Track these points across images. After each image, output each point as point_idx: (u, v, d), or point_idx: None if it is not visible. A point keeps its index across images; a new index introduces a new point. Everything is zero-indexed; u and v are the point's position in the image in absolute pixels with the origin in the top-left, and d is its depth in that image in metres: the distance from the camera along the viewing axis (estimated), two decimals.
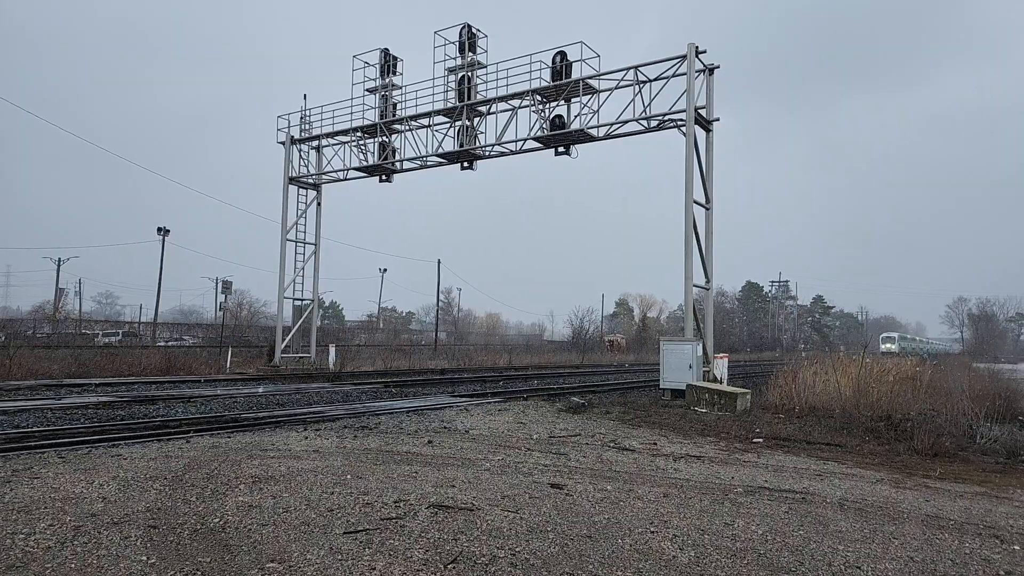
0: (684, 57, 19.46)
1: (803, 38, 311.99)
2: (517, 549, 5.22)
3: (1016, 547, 5.76)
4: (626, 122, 21.13)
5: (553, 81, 22.08)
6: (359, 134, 27.72)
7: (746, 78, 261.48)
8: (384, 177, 27.93)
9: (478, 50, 24.37)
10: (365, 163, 27.63)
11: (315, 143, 29.38)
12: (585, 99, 21.77)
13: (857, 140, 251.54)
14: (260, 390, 19.10)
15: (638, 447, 10.51)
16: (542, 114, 22.66)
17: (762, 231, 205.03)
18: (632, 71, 20.76)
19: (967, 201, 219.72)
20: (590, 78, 21.46)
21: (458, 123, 24.64)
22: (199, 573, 4.55)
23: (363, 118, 27.23)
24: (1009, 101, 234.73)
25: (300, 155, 29.68)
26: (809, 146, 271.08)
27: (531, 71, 22.27)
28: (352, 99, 27.32)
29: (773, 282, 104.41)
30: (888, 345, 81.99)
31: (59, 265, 61.89)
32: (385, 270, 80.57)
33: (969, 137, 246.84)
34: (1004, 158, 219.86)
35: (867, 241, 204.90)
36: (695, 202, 19.23)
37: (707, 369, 18.71)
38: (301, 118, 29.46)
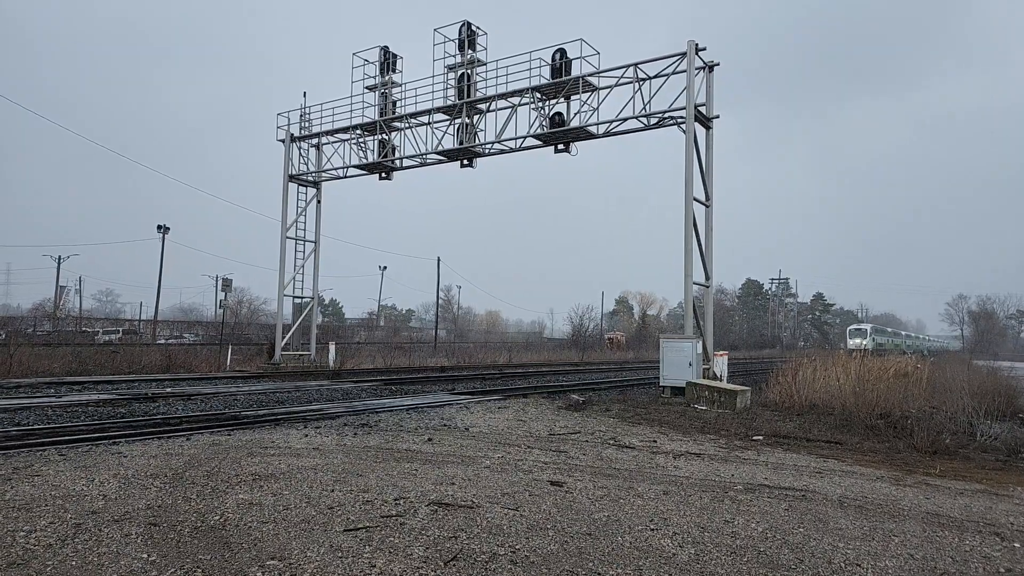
0: (684, 54, 19.43)
1: (806, 41, 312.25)
2: (517, 547, 5.22)
3: (1016, 545, 5.76)
4: (626, 119, 21.10)
5: (553, 79, 22.03)
6: (359, 132, 27.69)
7: (749, 79, 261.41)
8: (384, 175, 27.92)
9: (478, 48, 24.33)
10: (365, 161, 27.60)
11: (315, 141, 29.35)
12: (585, 96, 21.74)
13: (858, 140, 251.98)
14: (260, 387, 19.11)
15: (638, 445, 10.51)
16: (542, 112, 22.63)
17: (763, 230, 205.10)
18: (632, 68, 20.72)
19: (968, 200, 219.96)
20: (590, 75, 21.43)
21: (458, 121, 24.61)
22: (200, 570, 4.56)
23: (363, 116, 27.20)
24: (1009, 102, 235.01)
25: (300, 153, 29.66)
26: (810, 146, 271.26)
27: (531, 69, 22.26)
28: (352, 97, 27.32)
29: (773, 280, 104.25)
30: (858, 340, 63.69)
31: (59, 263, 61.84)
32: (385, 268, 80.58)
33: (969, 137, 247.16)
34: (1005, 158, 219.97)
35: (868, 240, 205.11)
36: (695, 199, 19.21)
37: (707, 367, 18.71)
38: (301, 116, 29.44)
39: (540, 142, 23.23)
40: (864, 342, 61.58)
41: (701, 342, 18.43)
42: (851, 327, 76.09)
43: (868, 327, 71.19)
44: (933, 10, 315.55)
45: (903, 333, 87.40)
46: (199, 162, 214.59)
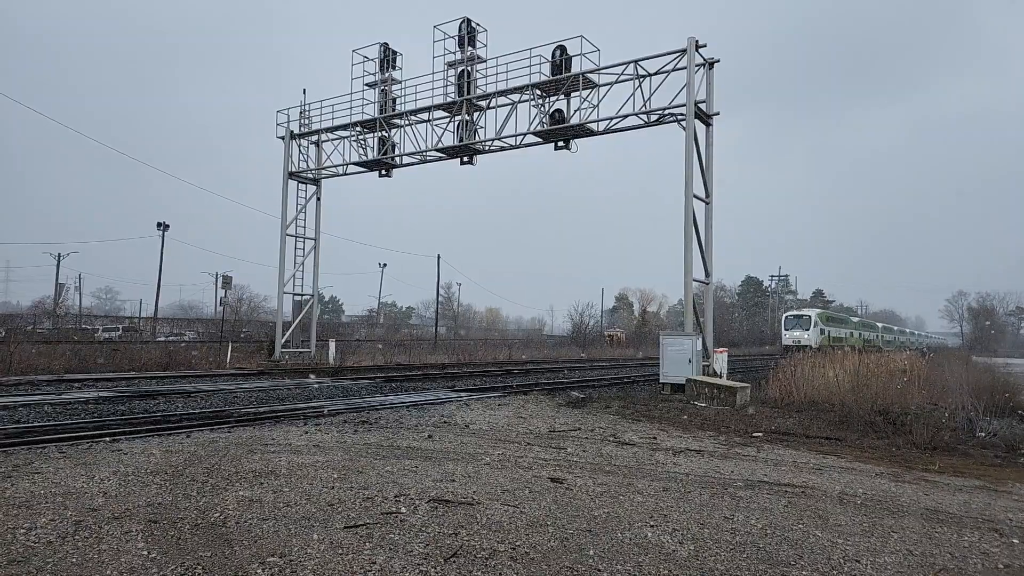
0: (684, 51, 19.40)
1: (807, 42, 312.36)
2: (517, 543, 5.23)
3: (1015, 540, 5.77)
4: (626, 116, 21.07)
5: (553, 75, 21.99)
6: (359, 129, 27.64)
7: (749, 79, 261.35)
8: (384, 172, 27.90)
9: (478, 44, 24.27)
10: (365, 158, 27.56)
11: (315, 138, 29.30)
12: (585, 93, 21.70)
13: (858, 141, 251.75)
14: (257, 385, 19.12)
15: (638, 441, 10.52)
16: (542, 108, 22.59)
17: (763, 229, 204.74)
18: (632, 65, 20.68)
19: (968, 199, 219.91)
20: (590, 72, 21.39)
21: (458, 118, 24.57)
22: (200, 567, 4.56)
23: (363, 113, 27.14)
24: (1008, 103, 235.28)
25: (300, 150, 29.61)
26: (810, 146, 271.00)
27: (531, 65, 22.19)
28: (351, 94, 27.25)
29: (773, 276, 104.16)
30: (796, 333, 45.25)
31: (59, 260, 61.81)
32: (385, 265, 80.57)
33: (969, 138, 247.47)
34: (1005, 158, 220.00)
35: (868, 238, 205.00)
36: (695, 196, 19.20)
37: (707, 363, 18.71)
38: (300, 113, 29.37)
39: (540, 139, 23.19)
40: (806, 335, 43.80)
41: (701, 339, 18.44)
42: (787, 314, 51.54)
43: (813, 314, 48.71)
44: (933, 12, 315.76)
45: (880, 325, 67.47)
46: (199, 159, 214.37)
